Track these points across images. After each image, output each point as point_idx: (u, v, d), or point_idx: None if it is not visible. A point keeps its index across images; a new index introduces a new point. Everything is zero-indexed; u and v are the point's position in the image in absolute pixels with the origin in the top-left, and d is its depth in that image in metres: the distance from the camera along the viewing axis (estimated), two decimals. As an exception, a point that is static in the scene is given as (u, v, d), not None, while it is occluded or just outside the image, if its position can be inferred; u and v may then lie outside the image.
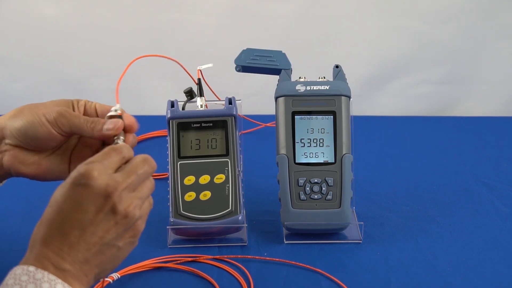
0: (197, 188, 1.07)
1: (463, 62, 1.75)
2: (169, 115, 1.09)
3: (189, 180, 1.07)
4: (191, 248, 1.06)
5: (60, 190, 0.72)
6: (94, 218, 0.71)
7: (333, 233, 1.09)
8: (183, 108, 1.11)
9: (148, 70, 1.71)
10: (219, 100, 1.13)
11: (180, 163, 1.08)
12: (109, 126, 0.82)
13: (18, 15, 1.70)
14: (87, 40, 1.72)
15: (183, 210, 1.06)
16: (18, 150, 0.85)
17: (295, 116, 1.09)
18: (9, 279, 0.68)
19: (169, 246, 1.07)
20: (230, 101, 1.10)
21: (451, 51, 1.73)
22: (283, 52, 1.13)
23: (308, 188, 1.07)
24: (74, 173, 0.72)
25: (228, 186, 1.07)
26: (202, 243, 1.07)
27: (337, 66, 1.13)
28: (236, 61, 1.13)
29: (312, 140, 1.09)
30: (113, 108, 0.84)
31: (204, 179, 1.08)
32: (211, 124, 1.09)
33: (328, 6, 1.69)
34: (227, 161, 1.08)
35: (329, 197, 1.07)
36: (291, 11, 1.69)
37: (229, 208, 1.06)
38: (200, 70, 1.10)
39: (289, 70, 1.13)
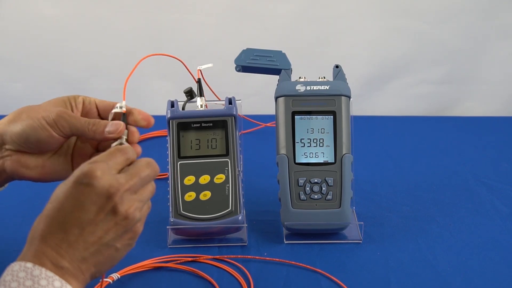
0: (197, 188, 1.07)
1: (463, 62, 1.75)
2: (169, 115, 1.09)
3: (189, 180, 1.07)
4: (191, 248, 1.06)
5: (62, 188, 0.72)
6: (95, 217, 0.71)
7: (333, 233, 1.09)
8: (183, 108, 1.11)
9: (148, 70, 1.71)
10: (219, 100, 1.13)
11: (180, 163, 1.08)
12: (110, 129, 0.82)
13: (18, 15, 1.70)
14: (87, 40, 1.72)
15: (183, 210, 1.06)
16: (20, 155, 0.85)
17: (295, 116, 1.09)
18: (7, 275, 0.68)
19: (169, 246, 1.07)
20: (230, 101, 1.10)
21: (451, 51, 1.73)
22: (283, 52, 1.13)
23: (308, 188, 1.07)
24: (77, 172, 0.72)
25: (228, 186, 1.07)
26: (202, 243, 1.07)
27: (337, 66, 1.13)
28: (236, 61, 1.13)
29: (312, 140, 1.09)
30: (118, 105, 0.84)
31: (204, 179, 1.08)
32: (211, 124, 1.09)
33: (328, 6, 1.69)
34: (227, 161, 1.08)
35: (329, 197, 1.07)
36: (291, 11, 1.69)
37: (229, 208, 1.06)
38: (200, 70, 1.10)
39: (289, 70, 1.13)
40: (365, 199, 1.20)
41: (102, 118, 0.88)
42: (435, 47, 1.73)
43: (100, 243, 0.72)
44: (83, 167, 0.72)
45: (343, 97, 1.09)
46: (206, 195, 1.07)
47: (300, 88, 1.10)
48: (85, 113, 0.88)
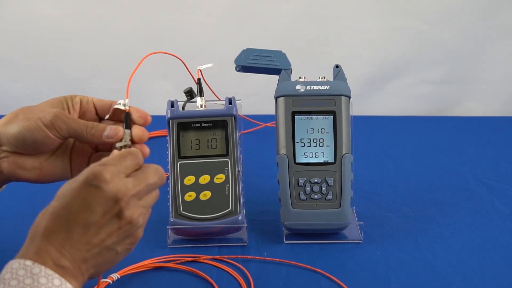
0: (197, 188, 1.07)
1: (463, 62, 1.75)
2: (169, 115, 1.09)
3: (189, 180, 1.07)
4: (191, 248, 1.06)
5: (70, 186, 0.72)
6: (100, 220, 0.71)
7: (333, 233, 1.09)
8: (183, 108, 1.11)
9: (148, 70, 1.71)
10: (219, 100, 1.13)
11: (180, 163, 1.08)
12: (109, 133, 0.82)
13: (18, 15, 1.70)
14: (87, 40, 1.72)
15: (183, 210, 1.06)
16: (17, 156, 0.85)
17: (295, 116, 1.09)
18: (6, 273, 0.68)
19: (169, 246, 1.07)
20: (230, 101, 1.10)
21: (451, 51, 1.73)
22: (283, 52, 1.13)
23: (308, 188, 1.07)
24: (87, 172, 0.72)
25: (228, 186, 1.07)
26: (202, 243, 1.07)
27: (337, 66, 1.13)
28: (236, 61, 1.13)
29: (312, 140, 1.09)
30: (120, 101, 0.84)
31: (204, 179, 1.08)
32: (211, 124, 1.09)
33: (328, 6, 1.69)
34: (227, 161, 1.08)
35: (329, 197, 1.07)
36: (291, 11, 1.69)
37: (229, 208, 1.06)
38: (200, 70, 1.10)
39: (289, 70, 1.13)
40: (365, 199, 1.20)
41: (100, 118, 0.88)
42: (435, 47, 1.73)
43: (102, 245, 0.72)
44: (93, 168, 0.72)
45: (343, 97, 1.09)
46: (206, 195, 1.07)
47: (300, 88, 1.10)
48: (82, 113, 0.87)
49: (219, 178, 1.08)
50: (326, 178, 1.07)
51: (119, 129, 0.82)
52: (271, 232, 1.11)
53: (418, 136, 1.53)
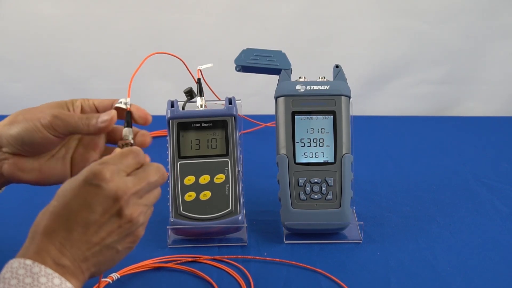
0: (197, 188, 1.07)
1: (463, 62, 1.75)
2: (169, 115, 1.09)
3: (189, 180, 1.07)
4: (191, 248, 1.06)
5: (70, 185, 0.72)
6: (100, 218, 0.71)
7: (333, 233, 1.09)
8: (183, 108, 1.11)
9: (148, 70, 1.71)
10: (219, 100, 1.13)
11: (180, 163, 1.08)
12: (103, 117, 0.82)
13: (18, 15, 1.70)
14: (87, 40, 1.72)
15: (183, 210, 1.06)
16: (17, 158, 0.85)
17: (295, 116, 1.09)
18: (6, 272, 0.68)
19: (169, 246, 1.07)
20: (230, 101, 1.10)
21: (451, 51, 1.73)
22: (283, 52, 1.13)
23: (308, 188, 1.07)
24: (86, 171, 0.72)
25: (228, 186, 1.07)
26: (202, 243, 1.07)
27: (337, 66, 1.13)
28: (236, 61, 1.13)
29: (312, 140, 1.09)
30: (121, 100, 0.83)
31: (204, 179, 1.08)
32: (211, 124, 1.09)
33: (328, 6, 1.69)
34: (227, 161, 1.08)
35: (329, 197, 1.07)
36: (291, 11, 1.69)
37: (229, 208, 1.06)
38: (200, 70, 1.10)
39: (289, 70, 1.13)
40: (365, 199, 1.20)
41: None
42: (435, 47, 1.73)
43: (103, 244, 0.72)
44: (93, 167, 0.72)
45: (343, 97, 1.09)
46: (206, 195, 1.07)
47: (300, 88, 1.10)
48: None
49: (219, 178, 1.08)
50: (326, 178, 1.07)
51: (112, 112, 0.82)
52: (271, 232, 1.11)
53: (418, 136, 1.53)
